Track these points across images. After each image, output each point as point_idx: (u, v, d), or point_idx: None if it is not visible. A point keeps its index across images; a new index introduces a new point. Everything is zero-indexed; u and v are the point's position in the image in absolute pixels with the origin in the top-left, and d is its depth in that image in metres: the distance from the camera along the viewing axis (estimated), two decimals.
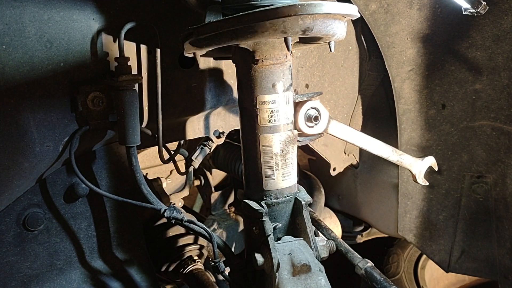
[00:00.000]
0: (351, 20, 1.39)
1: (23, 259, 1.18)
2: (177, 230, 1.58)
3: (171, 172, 1.83)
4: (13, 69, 1.03)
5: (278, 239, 1.10)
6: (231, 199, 2.04)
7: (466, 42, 1.49)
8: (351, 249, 1.25)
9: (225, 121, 1.40)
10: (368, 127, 1.77)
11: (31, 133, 1.09)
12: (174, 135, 1.33)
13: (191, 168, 1.38)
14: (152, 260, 1.43)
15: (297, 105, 1.16)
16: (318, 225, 1.30)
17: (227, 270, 1.22)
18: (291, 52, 1.05)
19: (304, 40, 1.14)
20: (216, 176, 2.08)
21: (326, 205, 2.09)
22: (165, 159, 1.30)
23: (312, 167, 2.18)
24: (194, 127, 1.36)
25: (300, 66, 1.52)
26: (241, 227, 1.97)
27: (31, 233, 1.19)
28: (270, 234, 1.03)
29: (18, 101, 1.06)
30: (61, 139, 1.14)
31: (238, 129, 1.14)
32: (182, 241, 1.56)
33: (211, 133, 1.38)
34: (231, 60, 1.12)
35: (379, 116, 1.77)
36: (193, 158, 1.37)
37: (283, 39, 0.95)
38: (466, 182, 1.64)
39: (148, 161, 1.83)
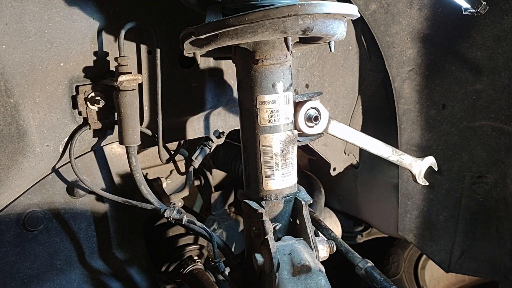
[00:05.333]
0: (351, 20, 1.38)
1: (23, 259, 1.18)
2: (177, 230, 1.58)
3: (171, 172, 1.83)
4: (13, 69, 1.03)
5: (278, 239, 1.10)
6: (231, 199, 2.03)
7: (466, 42, 1.49)
8: (351, 249, 1.24)
9: (225, 121, 1.40)
10: (368, 127, 1.77)
11: (31, 133, 1.09)
12: (174, 135, 1.33)
13: (191, 168, 1.38)
14: (152, 260, 1.43)
15: (297, 105, 1.16)
16: (318, 225, 1.30)
17: (227, 270, 1.22)
18: (291, 52, 1.05)
19: (304, 40, 1.14)
20: (216, 176, 2.08)
21: (326, 205, 2.09)
22: (165, 159, 1.31)
23: (312, 167, 2.18)
24: (194, 127, 1.36)
25: (300, 66, 1.52)
26: (241, 227, 1.97)
27: (31, 233, 1.18)
28: (270, 234, 1.03)
29: (18, 101, 1.06)
30: (61, 139, 1.14)
31: (238, 129, 1.14)
32: (182, 241, 1.56)
33: (211, 133, 1.38)
34: (231, 60, 1.12)
35: (379, 116, 1.77)
36: (193, 158, 1.37)
37: (283, 39, 0.95)
38: (467, 182, 1.64)
39: (148, 161, 1.83)
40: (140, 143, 1.17)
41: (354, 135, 1.32)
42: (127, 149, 1.17)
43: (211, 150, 1.40)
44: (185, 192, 1.73)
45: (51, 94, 1.10)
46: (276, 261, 1.00)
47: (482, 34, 1.47)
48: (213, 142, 1.39)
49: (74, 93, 1.13)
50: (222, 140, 1.40)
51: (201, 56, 1.18)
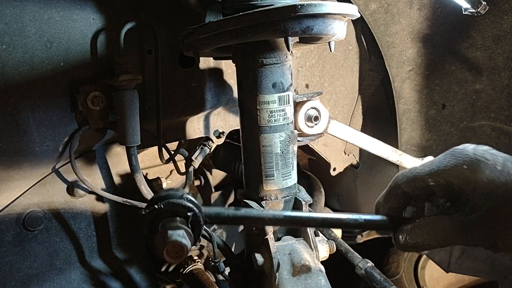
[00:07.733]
0: (351, 20, 1.38)
1: (23, 258, 1.18)
2: None
3: (171, 172, 1.83)
4: (13, 69, 1.03)
5: (278, 239, 1.10)
6: (231, 199, 2.03)
7: (466, 42, 1.49)
8: (351, 249, 1.25)
9: (225, 121, 1.40)
10: (368, 127, 1.77)
11: (31, 132, 1.09)
12: (174, 135, 1.33)
13: (191, 168, 1.38)
14: (152, 260, 1.43)
15: (297, 105, 1.16)
16: None
17: (227, 270, 1.22)
18: (291, 52, 1.05)
19: (304, 40, 1.14)
20: (216, 176, 2.08)
21: (326, 205, 2.08)
22: (165, 159, 1.30)
23: (312, 167, 2.18)
24: (194, 127, 1.36)
25: (300, 66, 1.52)
26: (241, 227, 1.96)
27: (31, 233, 1.19)
28: (270, 234, 1.03)
29: (18, 100, 1.06)
30: (61, 139, 1.14)
31: (238, 129, 1.14)
32: None
33: (211, 133, 1.38)
34: (231, 60, 1.12)
35: (379, 116, 1.77)
36: (193, 158, 1.37)
37: (283, 39, 0.95)
38: None
39: (148, 161, 1.83)
40: (140, 143, 1.17)
41: (354, 135, 1.32)
42: (127, 149, 1.16)
43: (211, 150, 1.40)
44: None
45: (51, 94, 1.10)
46: (276, 261, 1.00)
47: (482, 34, 1.47)
48: (213, 142, 1.39)
49: (74, 93, 1.13)
50: (222, 140, 1.40)
51: (201, 56, 1.18)
